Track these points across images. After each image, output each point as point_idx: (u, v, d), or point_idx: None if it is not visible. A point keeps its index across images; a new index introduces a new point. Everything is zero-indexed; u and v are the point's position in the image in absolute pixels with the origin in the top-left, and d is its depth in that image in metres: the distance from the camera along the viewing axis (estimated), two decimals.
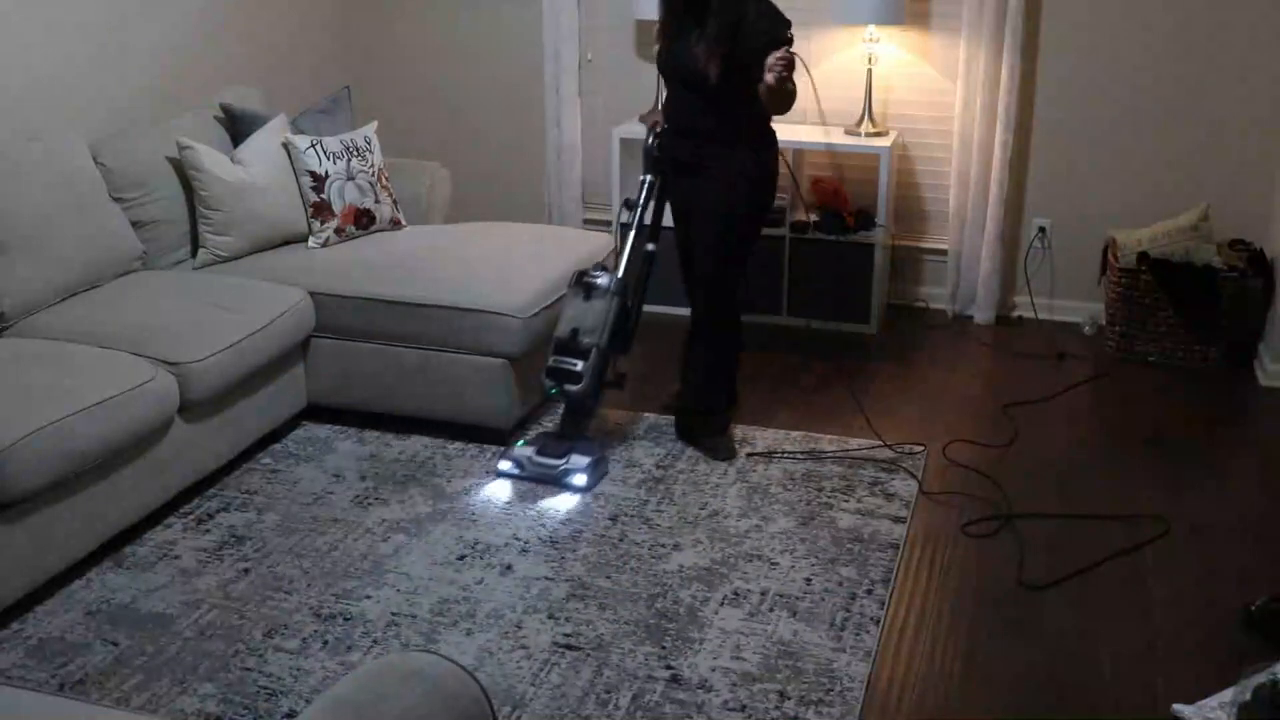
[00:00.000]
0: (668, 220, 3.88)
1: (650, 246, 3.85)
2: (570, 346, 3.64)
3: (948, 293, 5.13)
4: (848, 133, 4.94)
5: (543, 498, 3.56)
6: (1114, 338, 4.69)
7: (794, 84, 3.45)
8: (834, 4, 4.82)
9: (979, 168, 4.91)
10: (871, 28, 4.82)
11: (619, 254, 3.82)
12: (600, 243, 4.38)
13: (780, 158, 3.77)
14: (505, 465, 3.67)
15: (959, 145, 4.94)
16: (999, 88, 4.78)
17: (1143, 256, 4.52)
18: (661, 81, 3.93)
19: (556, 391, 3.65)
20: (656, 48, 3.77)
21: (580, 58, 5.31)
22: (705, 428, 3.89)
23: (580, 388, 3.62)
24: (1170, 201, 4.73)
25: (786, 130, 4.98)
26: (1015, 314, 5.14)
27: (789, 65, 3.34)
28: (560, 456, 3.60)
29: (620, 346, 3.77)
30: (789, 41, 3.47)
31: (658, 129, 3.81)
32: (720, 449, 3.82)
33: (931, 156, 5.08)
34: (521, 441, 3.73)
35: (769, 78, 3.32)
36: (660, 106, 3.94)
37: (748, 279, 3.88)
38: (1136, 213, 4.77)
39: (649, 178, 3.82)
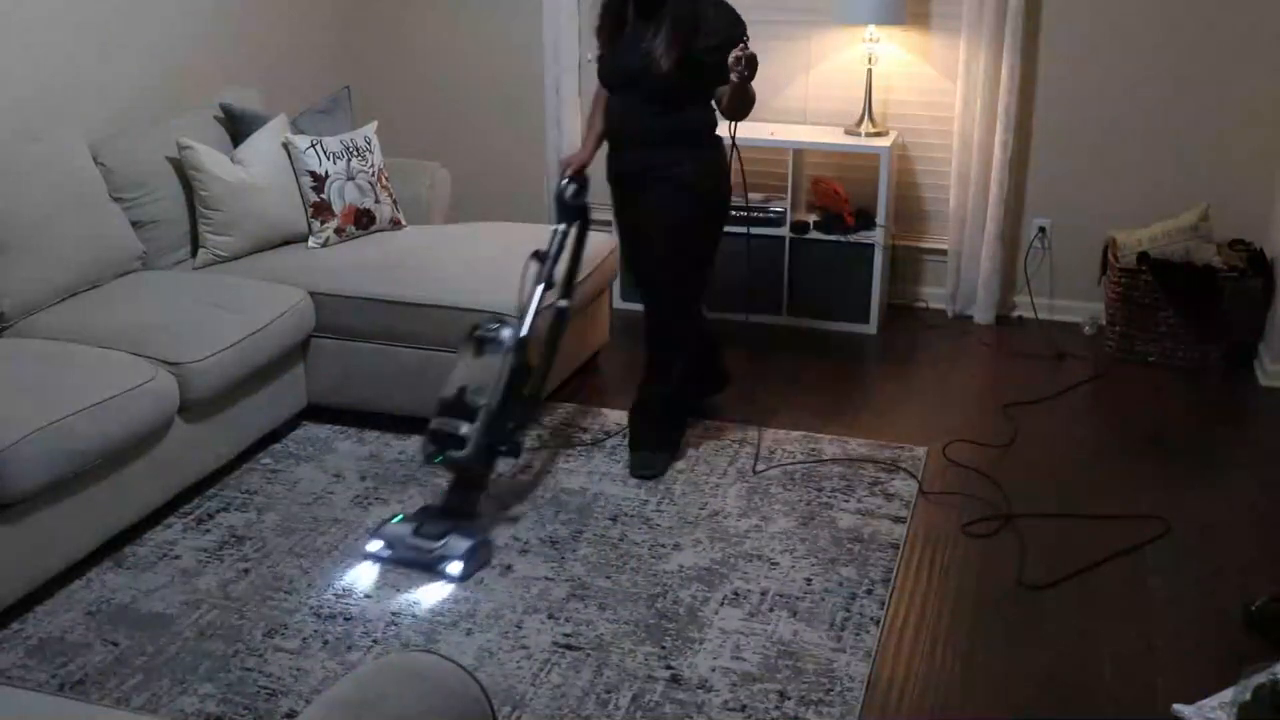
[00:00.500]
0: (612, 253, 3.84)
1: (563, 303, 3.60)
2: (455, 407, 3.23)
3: (948, 293, 5.13)
4: (848, 133, 4.93)
5: (543, 498, 3.56)
6: (1114, 338, 4.69)
7: (753, 89, 3.38)
8: (834, 4, 4.82)
9: (979, 168, 4.91)
10: (871, 28, 4.82)
11: (524, 309, 3.39)
12: (600, 243, 4.37)
13: (734, 157, 3.61)
14: (375, 546, 3.21)
15: (959, 145, 4.94)
16: (999, 88, 4.78)
17: (1143, 256, 4.52)
18: (594, 118, 3.73)
19: (440, 459, 3.23)
20: (594, 57, 3.65)
21: (580, 58, 5.31)
22: (652, 441, 3.75)
23: (465, 454, 3.18)
24: (1170, 201, 4.72)
25: (787, 130, 5.02)
26: (1015, 314, 5.14)
27: (751, 63, 3.22)
28: (437, 538, 3.14)
29: (518, 412, 3.36)
30: (745, 44, 3.32)
31: (571, 171, 3.60)
32: (652, 464, 3.70)
33: (931, 156, 5.08)
34: (399, 516, 3.28)
35: (733, 76, 3.23)
36: (585, 144, 3.74)
37: (711, 292, 3.75)
38: (1136, 213, 4.77)
39: (561, 227, 3.56)
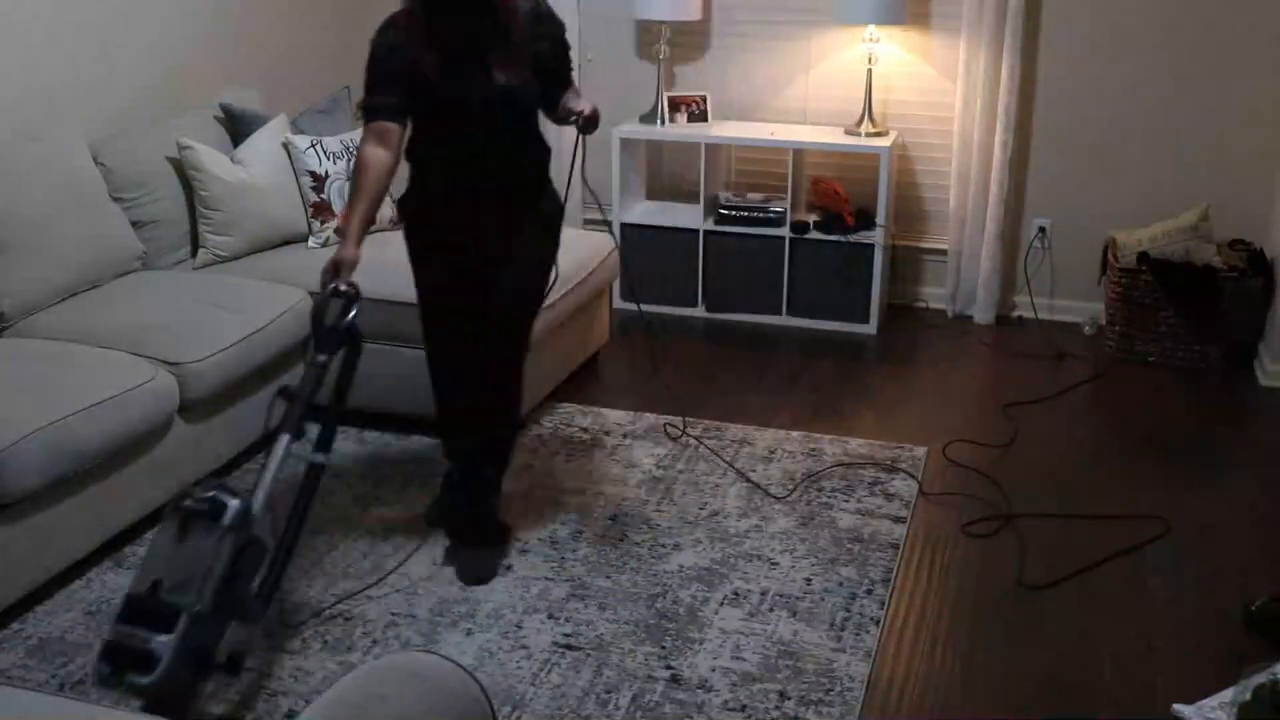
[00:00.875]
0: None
1: (319, 458, 2.81)
2: (146, 609, 2.32)
3: (948, 293, 5.13)
4: (848, 133, 4.94)
5: (543, 498, 3.56)
6: (1114, 338, 4.69)
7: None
8: (834, 4, 4.82)
9: (979, 168, 4.91)
10: (871, 28, 4.82)
11: (264, 467, 2.62)
12: (599, 243, 4.38)
13: (572, 172, 3.18)
14: None
15: (959, 145, 4.94)
16: (999, 88, 4.78)
17: (1143, 256, 4.52)
18: (360, 194, 2.94)
19: (124, 685, 2.30)
20: (362, 106, 2.96)
21: (580, 58, 5.31)
22: (481, 533, 3.24)
23: (153, 679, 2.26)
24: (1170, 201, 4.73)
25: (787, 130, 5.02)
26: (1015, 314, 5.14)
27: (593, 122, 2.97)
28: None
29: (242, 609, 2.51)
30: (587, 110, 3.00)
31: (341, 286, 2.84)
32: (487, 566, 3.17)
33: (931, 156, 5.08)
34: None
35: (587, 110, 2.96)
36: (351, 235, 2.90)
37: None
38: (1136, 213, 4.77)
39: (323, 358, 2.77)
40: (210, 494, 2.43)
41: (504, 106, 2.95)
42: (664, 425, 3.98)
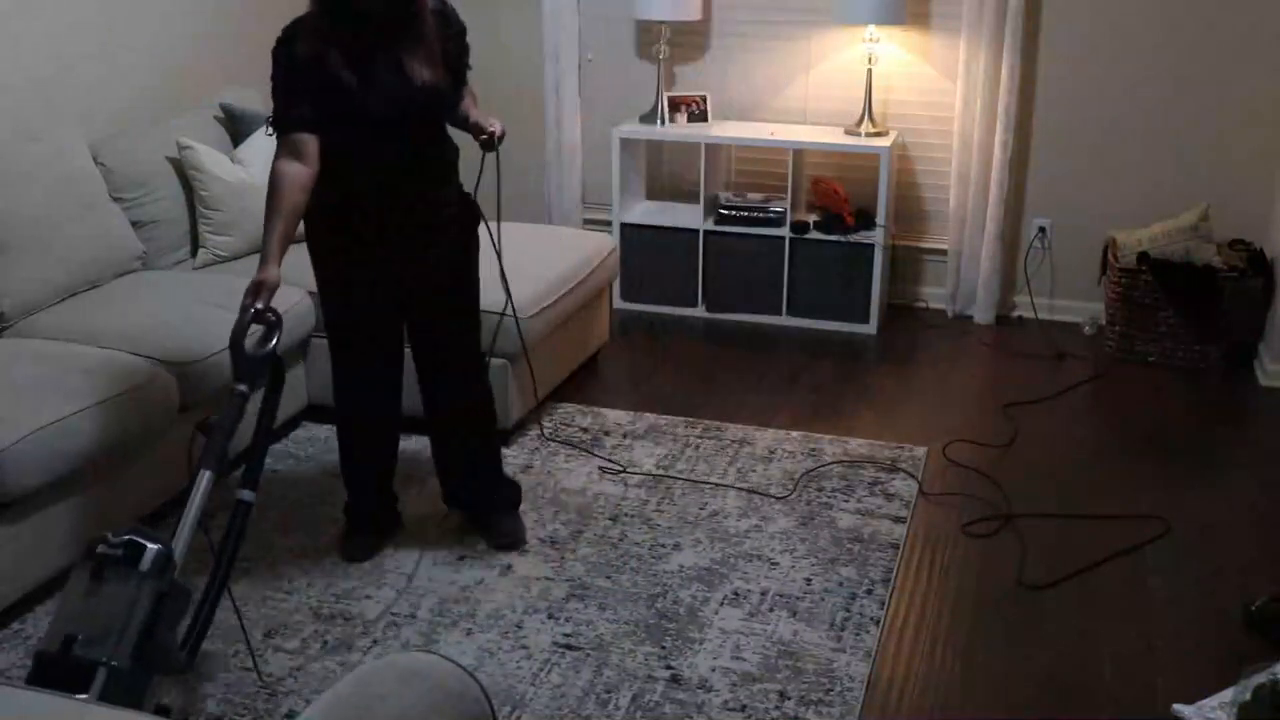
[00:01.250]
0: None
1: (246, 495, 2.66)
2: (58, 668, 2.12)
3: (948, 293, 5.13)
4: (848, 133, 4.94)
5: (543, 498, 3.56)
6: (1114, 338, 4.69)
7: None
8: (834, 4, 4.82)
9: (979, 168, 4.91)
10: (871, 28, 4.82)
11: (186, 507, 2.48)
12: (600, 243, 4.38)
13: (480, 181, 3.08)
14: None
15: (959, 145, 4.94)
16: (999, 88, 4.78)
17: (1143, 256, 4.52)
18: (278, 209, 2.83)
19: None
20: (271, 121, 2.90)
21: (580, 58, 5.31)
22: (502, 508, 3.36)
23: None
24: (1170, 201, 4.73)
25: (787, 130, 5.02)
26: (1015, 314, 5.14)
27: (499, 139, 2.95)
28: None
29: (166, 661, 2.29)
30: (495, 129, 2.98)
31: (262, 302, 2.75)
32: (520, 532, 3.33)
33: (931, 156, 5.08)
34: None
35: (498, 129, 2.94)
36: (271, 255, 2.80)
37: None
38: (1136, 213, 4.77)
39: (242, 388, 2.65)
40: (125, 537, 2.24)
41: (425, 108, 2.88)
42: (598, 468, 3.78)
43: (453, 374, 3.20)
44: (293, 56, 2.83)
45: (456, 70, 2.98)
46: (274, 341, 2.72)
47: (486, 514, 3.35)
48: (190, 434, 2.61)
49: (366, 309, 3.05)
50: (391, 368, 3.17)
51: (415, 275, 3.02)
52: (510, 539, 3.30)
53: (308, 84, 2.82)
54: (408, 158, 2.91)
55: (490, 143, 2.95)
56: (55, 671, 2.12)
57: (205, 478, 2.51)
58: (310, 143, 2.84)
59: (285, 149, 2.84)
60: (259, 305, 2.74)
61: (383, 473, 3.33)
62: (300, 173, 2.83)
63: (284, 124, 2.85)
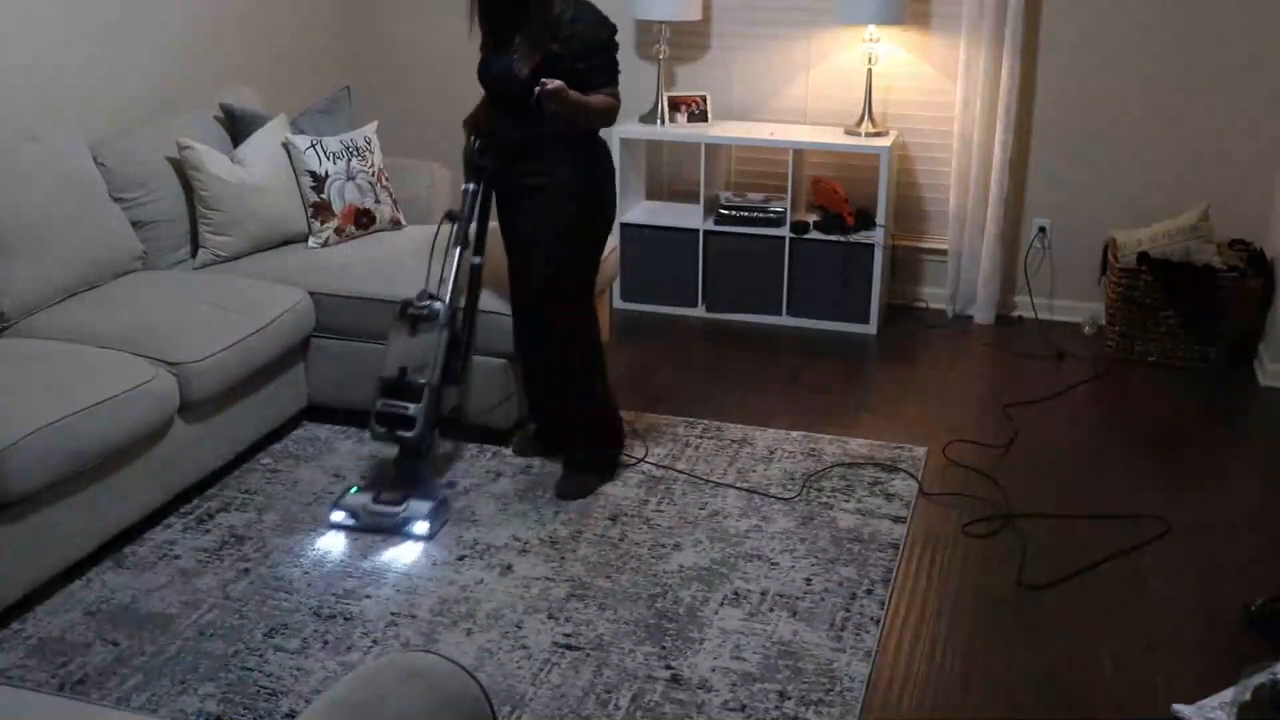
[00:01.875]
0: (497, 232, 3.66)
1: (477, 259, 3.58)
2: (400, 388, 3.36)
3: (948, 293, 5.13)
4: (848, 133, 4.94)
5: (543, 498, 3.56)
6: (1114, 338, 4.69)
7: (600, 102, 3.32)
8: (834, 4, 4.82)
9: (979, 168, 4.91)
10: (871, 28, 4.82)
11: (443, 276, 3.48)
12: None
13: (613, 178, 3.55)
14: (339, 516, 3.37)
15: (959, 145, 4.94)
16: (999, 88, 4.78)
17: (1143, 256, 4.52)
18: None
19: (396, 440, 3.37)
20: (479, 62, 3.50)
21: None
22: (568, 463, 3.69)
23: (415, 433, 3.34)
24: (1170, 201, 4.73)
25: (787, 130, 5.02)
26: (1015, 314, 5.14)
27: (554, 98, 3.18)
28: (398, 504, 3.32)
29: (452, 378, 3.50)
30: (614, 45, 3.35)
31: (477, 131, 3.52)
32: (579, 487, 3.60)
33: (931, 156, 5.08)
34: (355, 488, 3.42)
35: (550, 84, 3.19)
36: (480, 108, 3.61)
37: (596, 325, 3.62)
38: (1136, 213, 4.78)
39: (470, 185, 3.51)
40: (426, 302, 3.40)
41: (517, 92, 3.27)
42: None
43: (526, 311, 3.61)
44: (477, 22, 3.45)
45: (565, 72, 3.22)
46: (488, 155, 3.47)
47: (563, 454, 3.70)
48: (437, 225, 3.56)
49: (506, 242, 3.61)
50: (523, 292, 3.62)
51: (514, 223, 3.52)
52: (563, 490, 3.58)
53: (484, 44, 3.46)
54: (514, 125, 3.37)
55: (537, 98, 3.21)
56: (397, 389, 3.35)
57: (456, 251, 3.47)
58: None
59: None
60: (474, 129, 3.51)
61: (539, 400, 3.78)
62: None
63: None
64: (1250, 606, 2.98)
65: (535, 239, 3.45)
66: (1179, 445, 4.00)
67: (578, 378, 3.58)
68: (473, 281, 3.59)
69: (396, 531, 3.31)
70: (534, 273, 3.48)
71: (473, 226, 3.52)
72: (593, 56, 3.30)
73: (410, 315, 3.41)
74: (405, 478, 3.41)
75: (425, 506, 3.33)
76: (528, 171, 3.43)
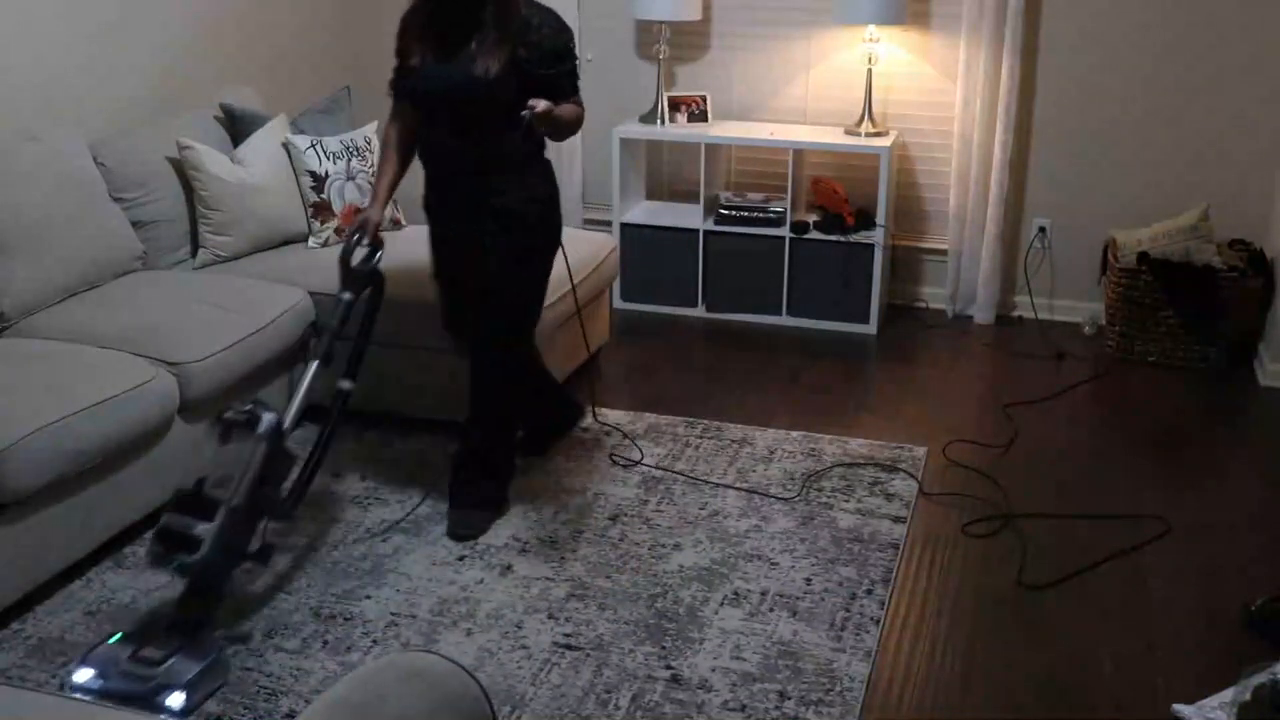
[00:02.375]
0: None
1: (346, 385, 3.20)
2: (190, 502, 2.78)
3: (948, 293, 5.13)
4: (848, 133, 4.94)
5: (543, 497, 3.56)
6: (1114, 338, 4.69)
7: (570, 114, 3.14)
8: (834, 4, 4.82)
9: (979, 168, 4.91)
10: (871, 28, 4.82)
11: (293, 390, 3.07)
12: (600, 243, 4.38)
13: (559, 198, 3.31)
14: (82, 676, 2.60)
15: (959, 145, 4.94)
16: (999, 88, 4.78)
17: (1143, 256, 4.52)
18: (384, 163, 3.31)
19: (171, 564, 2.74)
20: (391, 82, 3.22)
21: (580, 58, 5.30)
22: (474, 499, 3.42)
23: (197, 559, 2.70)
24: (1170, 201, 4.73)
25: (787, 130, 5.02)
26: (1015, 314, 5.14)
27: (544, 121, 2.99)
28: (158, 662, 2.61)
29: (271, 508, 2.94)
30: (573, 53, 3.16)
31: (361, 235, 3.22)
32: (472, 523, 3.35)
33: (931, 156, 5.08)
34: (119, 634, 2.71)
35: (536, 108, 2.97)
36: (375, 197, 3.31)
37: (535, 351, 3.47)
38: (1136, 213, 4.78)
39: (348, 295, 3.17)
40: (248, 407, 2.88)
41: (470, 97, 3.06)
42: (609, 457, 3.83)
43: (474, 353, 3.35)
44: (400, 28, 3.19)
45: (530, 77, 3.05)
46: (377, 258, 3.24)
47: (455, 499, 3.43)
48: (302, 334, 3.33)
49: (439, 270, 3.39)
50: (461, 309, 3.39)
51: (460, 250, 3.27)
52: (457, 529, 3.34)
53: (401, 56, 3.19)
54: (459, 141, 3.13)
55: (528, 121, 2.99)
56: (189, 504, 2.77)
57: (313, 367, 3.06)
58: (407, 110, 3.25)
59: (391, 112, 3.29)
60: (359, 235, 3.23)
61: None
62: (400, 130, 3.28)
63: (392, 89, 3.25)
64: (1250, 606, 2.98)
65: (491, 278, 3.21)
66: (1179, 445, 4.00)
67: (504, 412, 3.42)
68: (335, 408, 3.18)
69: (147, 701, 2.56)
70: (487, 316, 3.27)
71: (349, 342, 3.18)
72: (560, 63, 3.13)
73: (225, 421, 2.89)
74: (181, 625, 2.71)
75: (190, 669, 2.61)
76: (476, 198, 3.17)
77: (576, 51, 3.21)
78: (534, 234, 3.26)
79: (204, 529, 2.72)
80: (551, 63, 3.11)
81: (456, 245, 3.29)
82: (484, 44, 3.03)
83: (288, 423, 2.95)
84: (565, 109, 3.12)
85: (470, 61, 3.03)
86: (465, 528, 3.34)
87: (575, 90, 3.21)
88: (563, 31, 3.15)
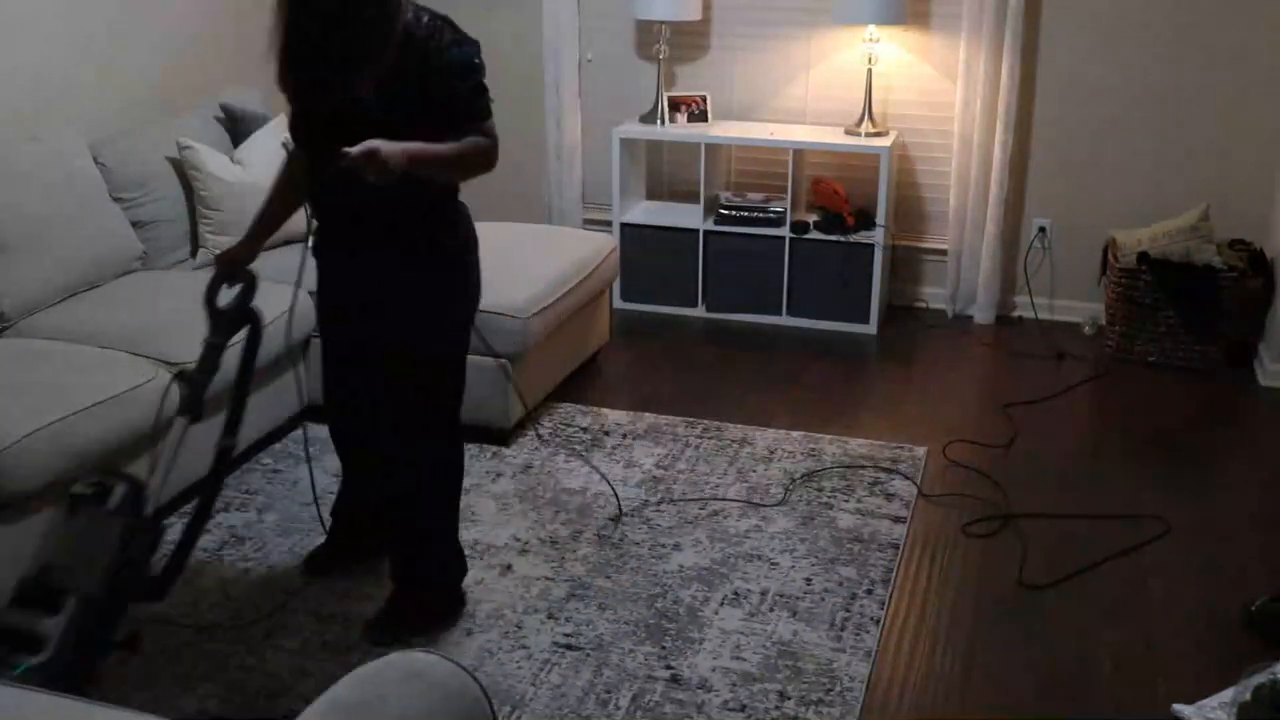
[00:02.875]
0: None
1: (228, 441, 2.78)
2: (34, 593, 2.31)
3: (948, 293, 5.13)
4: (848, 133, 4.94)
5: (543, 498, 3.56)
6: (1114, 338, 4.69)
7: (450, 153, 2.57)
8: (834, 4, 4.82)
9: (979, 168, 4.91)
10: (871, 28, 4.82)
11: (161, 451, 2.61)
12: (600, 243, 4.38)
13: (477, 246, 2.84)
14: None
15: (959, 145, 4.94)
16: (999, 88, 4.78)
17: (1143, 256, 4.52)
18: (272, 201, 2.92)
19: (15, 669, 2.21)
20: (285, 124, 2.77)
21: (580, 58, 5.31)
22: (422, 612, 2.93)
23: (43, 659, 2.22)
24: (1170, 201, 4.73)
25: (787, 130, 5.02)
26: (1015, 314, 5.14)
27: (369, 161, 2.42)
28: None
29: (140, 589, 2.48)
30: (482, 68, 2.67)
31: (234, 267, 2.81)
32: (395, 633, 2.87)
33: (931, 156, 5.08)
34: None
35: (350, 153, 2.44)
36: (251, 233, 2.88)
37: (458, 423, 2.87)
38: (1136, 213, 4.77)
39: (216, 340, 2.71)
40: (96, 479, 2.43)
41: (336, 115, 2.61)
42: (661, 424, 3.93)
43: (379, 428, 2.86)
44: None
45: (426, 103, 2.58)
46: (250, 298, 2.81)
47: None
48: (166, 384, 2.79)
49: (322, 317, 3.02)
50: (349, 383, 2.93)
51: (347, 297, 2.86)
52: (374, 634, 2.87)
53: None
54: (349, 184, 2.51)
55: (339, 168, 2.45)
56: (33, 595, 2.31)
57: (180, 424, 2.61)
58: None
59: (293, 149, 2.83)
60: (226, 273, 2.81)
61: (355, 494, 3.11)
62: (284, 167, 2.92)
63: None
64: (1250, 606, 2.98)
65: (390, 352, 2.75)
66: (1179, 445, 4.00)
67: (433, 516, 2.90)
68: (215, 472, 2.75)
69: None
70: (388, 400, 2.79)
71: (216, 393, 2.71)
72: (458, 79, 2.61)
73: (73, 496, 2.41)
74: None
75: None
76: (354, 229, 2.72)
77: (480, 67, 2.68)
78: (436, 283, 2.75)
79: (50, 625, 2.26)
80: (445, 80, 2.59)
81: (346, 302, 2.85)
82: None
83: (153, 490, 2.51)
84: (447, 146, 2.56)
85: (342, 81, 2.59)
86: (390, 635, 2.87)
87: (478, 116, 2.64)
88: (466, 42, 2.68)
